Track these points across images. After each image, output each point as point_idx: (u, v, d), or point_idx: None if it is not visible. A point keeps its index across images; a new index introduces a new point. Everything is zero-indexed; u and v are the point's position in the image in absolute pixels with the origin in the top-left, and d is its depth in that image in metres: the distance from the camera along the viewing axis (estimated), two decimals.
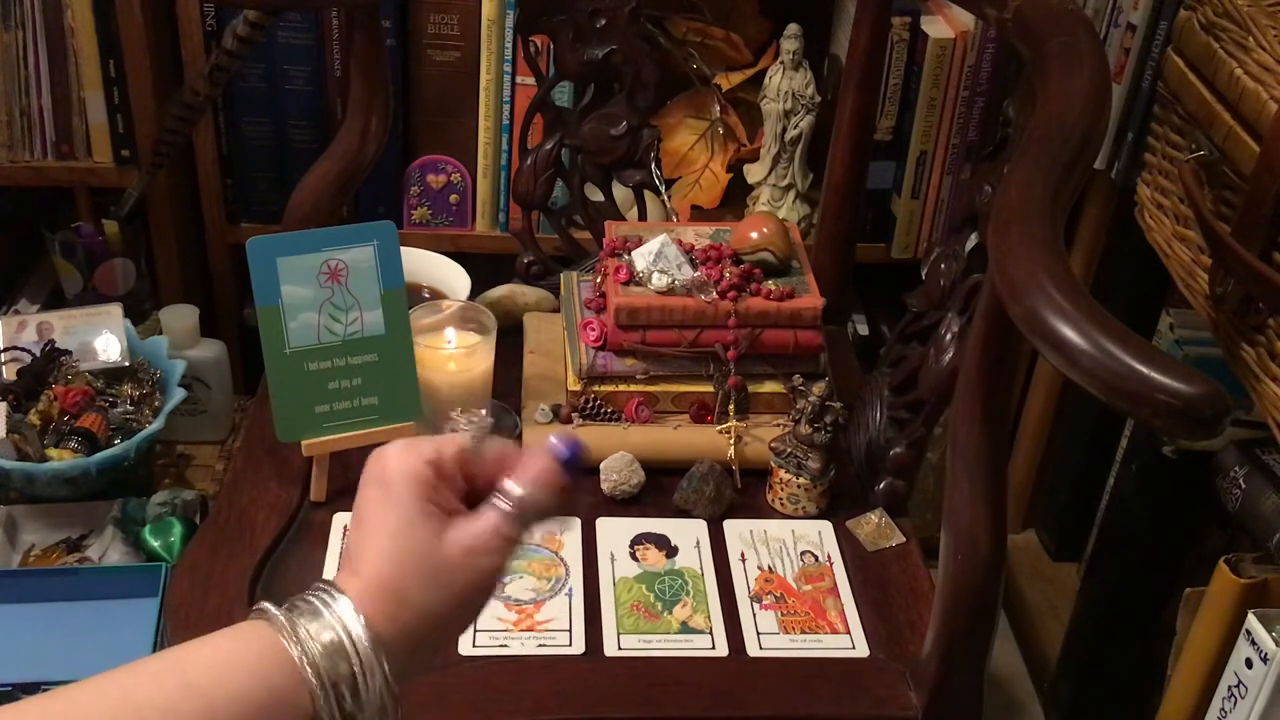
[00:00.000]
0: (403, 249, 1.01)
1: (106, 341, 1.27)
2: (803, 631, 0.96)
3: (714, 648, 0.94)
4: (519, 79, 1.40)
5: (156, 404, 1.25)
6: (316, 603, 0.57)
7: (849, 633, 0.96)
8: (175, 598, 0.95)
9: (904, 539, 1.05)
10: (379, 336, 0.99)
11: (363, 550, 0.59)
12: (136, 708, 0.50)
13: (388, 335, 0.99)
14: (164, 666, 0.53)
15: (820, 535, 1.05)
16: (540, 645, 0.93)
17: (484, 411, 0.84)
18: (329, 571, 0.97)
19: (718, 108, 1.47)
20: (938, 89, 1.41)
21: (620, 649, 0.93)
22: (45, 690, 0.52)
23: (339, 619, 0.56)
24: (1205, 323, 1.00)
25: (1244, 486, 1.10)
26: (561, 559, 1.01)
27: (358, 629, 0.56)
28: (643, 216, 1.30)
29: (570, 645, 0.93)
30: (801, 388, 1.06)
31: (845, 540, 1.05)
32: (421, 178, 1.46)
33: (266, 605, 0.56)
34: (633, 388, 1.10)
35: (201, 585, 0.95)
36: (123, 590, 1.11)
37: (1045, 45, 0.86)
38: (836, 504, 1.08)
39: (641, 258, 1.10)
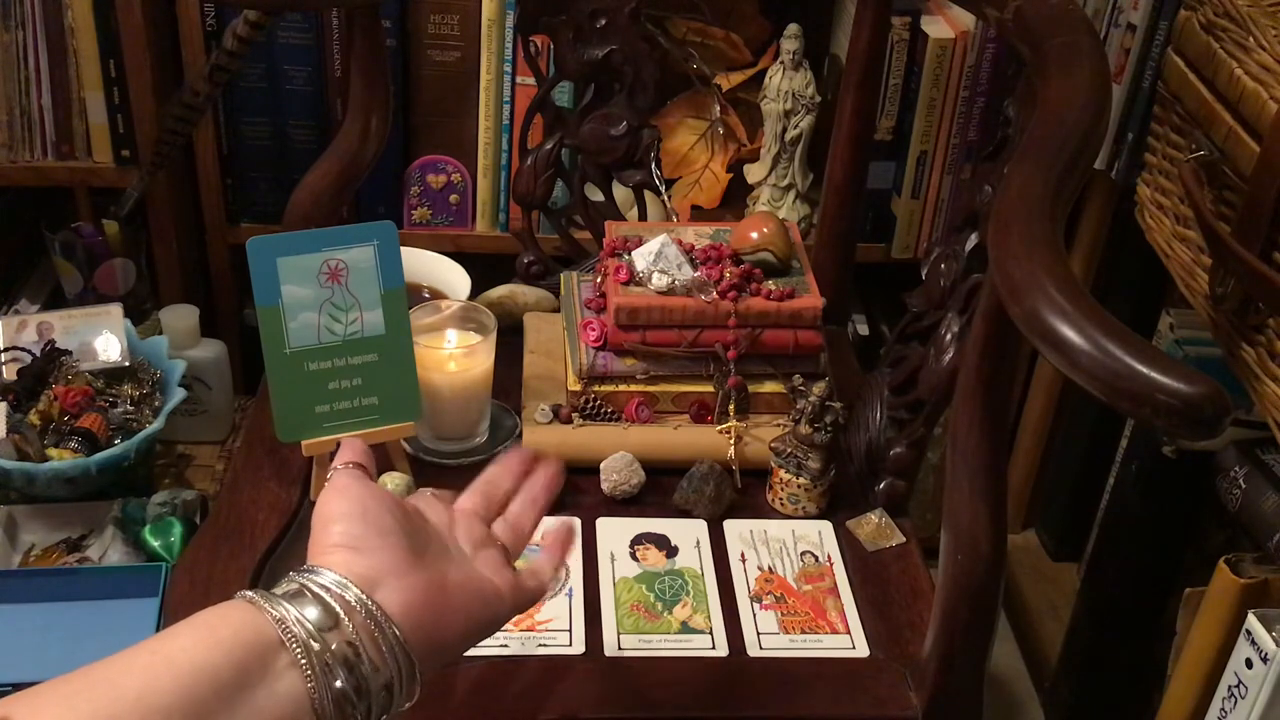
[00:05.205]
0: (403, 249, 1.01)
1: (106, 341, 1.27)
2: (803, 631, 0.96)
3: (714, 648, 0.94)
4: (519, 79, 1.40)
5: (156, 404, 1.25)
6: (300, 578, 0.58)
7: (849, 633, 0.96)
8: (175, 598, 0.95)
9: (904, 539, 1.05)
10: (379, 336, 0.99)
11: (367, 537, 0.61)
12: (116, 687, 0.50)
13: (388, 335, 0.99)
14: (145, 648, 0.53)
15: (820, 535, 1.05)
16: (540, 645, 0.93)
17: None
18: None
19: (718, 108, 1.47)
20: (938, 89, 1.41)
21: (620, 649, 0.93)
22: None
23: (326, 589, 0.57)
24: (1205, 323, 1.00)
25: (1244, 486, 1.10)
26: None
27: (352, 593, 0.57)
28: (643, 216, 1.29)
29: (570, 645, 0.93)
30: (801, 388, 1.06)
31: (845, 540, 1.05)
32: (421, 178, 1.46)
33: (247, 591, 0.57)
34: (633, 388, 1.10)
35: (201, 585, 0.95)
36: (123, 590, 1.11)
37: (1045, 45, 0.86)
38: (836, 504, 1.08)
39: (641, 258, 1.10)
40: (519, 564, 0.70)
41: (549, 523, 0.76)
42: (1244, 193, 0.91)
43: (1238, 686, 0.95)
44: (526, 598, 0.69)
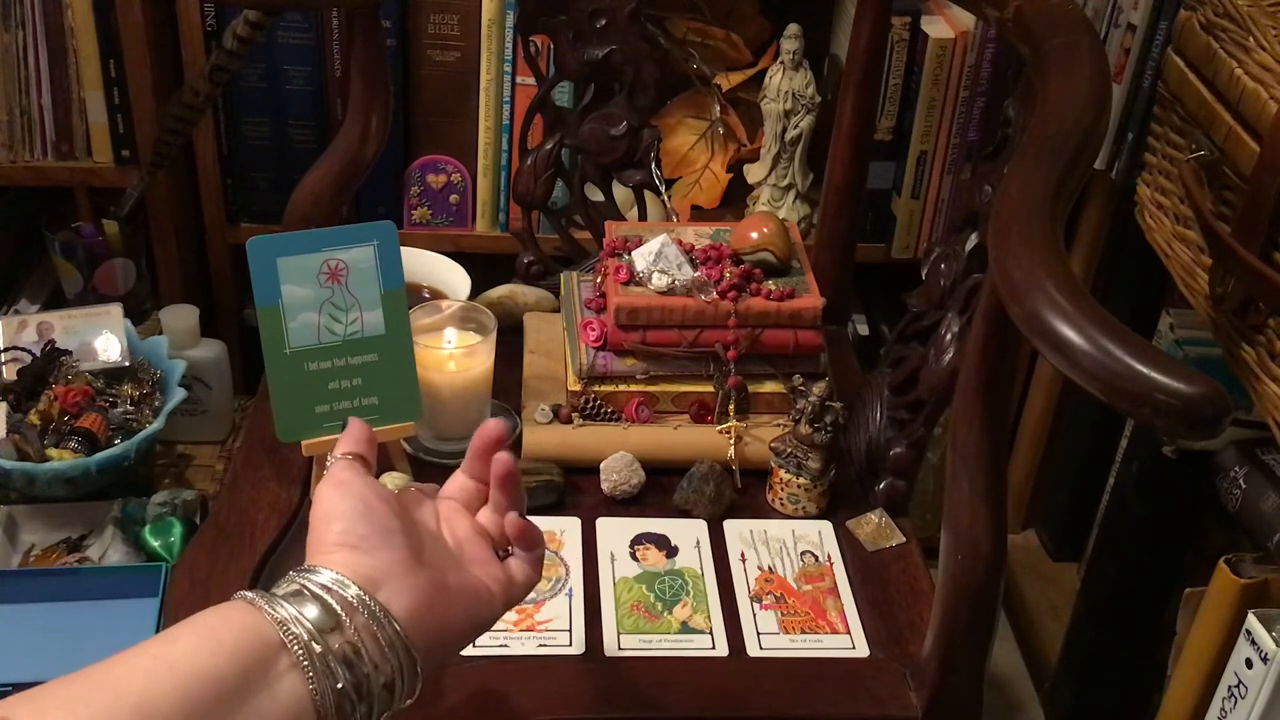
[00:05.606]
0: (403, 249, 1.01)
1: (106, 341, 1.27)
2: (803, 631, 0.96)
3: (714, 648, 0.94)
4: (519, 79, 1.40)
5: (156, 404, 1.25)
6: (299, 578, 0.58)
7: (849, 633, 0.96)
8: (175, 598, 0.95)
9: (904, 539, 1.05)
10: (379, 336, 0.99)
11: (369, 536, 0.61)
12: (116, 691, 0.50)
13: (388, 335, 0.99)
14: (146, 651, 0.53)
15: (820, 535, 1.05)
16: (540, 645, 0.93)
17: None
18: None
19: (718, 108, 1.47)
20: (938, 89, 1.41)
21: (620, 649, 0.93)
22: None
23: (326, 588, 0.57)
24: (1205, 323, 1.00)
25: (1244, 486, 1.10)
26: (561, 559, 1.01)
27: (351, 590, 0.57)
28: (643, 216, 1.30)
29: (570, 645, 0.93)
30: (801, 388, 1.06)
31: (845, 540, 1.05)
32: (421, 178, 1.46)
33: (247, 592, 0.57)
34: (633, 388, 1.10)
35: (201, 585, 0.95)
36: (123, 590, 1.11)
37: (1045, 45, 0.86)
38: (836, 504, 1.08)
39: (641, 258, 1.10)
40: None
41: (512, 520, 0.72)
42: (1244, 193, 0.91)
43: (1238, 686, 0.95)
44: (516, 595, 0.68)
